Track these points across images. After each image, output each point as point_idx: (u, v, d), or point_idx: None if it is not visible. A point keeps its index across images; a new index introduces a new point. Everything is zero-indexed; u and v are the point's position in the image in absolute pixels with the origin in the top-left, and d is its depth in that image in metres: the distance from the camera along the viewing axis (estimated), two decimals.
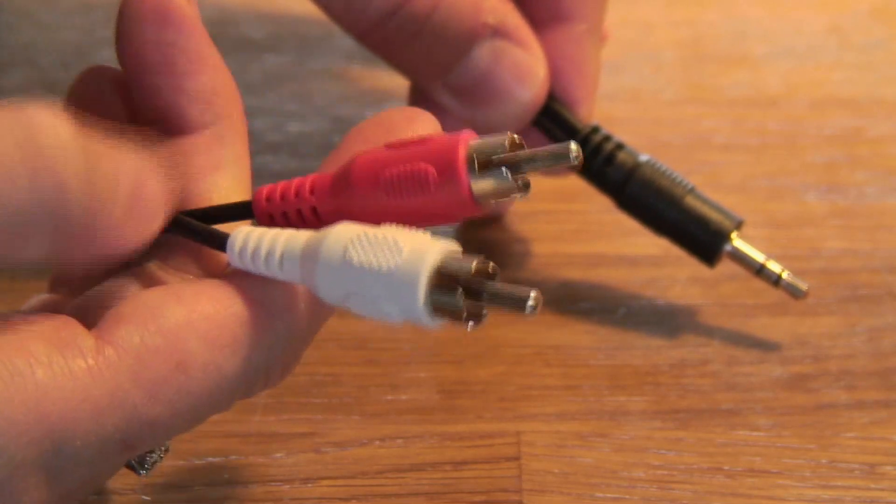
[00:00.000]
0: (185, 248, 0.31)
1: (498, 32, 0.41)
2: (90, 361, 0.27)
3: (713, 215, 0.42)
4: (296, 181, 0.30)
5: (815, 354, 0.42)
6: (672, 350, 0.42)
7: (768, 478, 0.38)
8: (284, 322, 0.29)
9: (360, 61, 0.55)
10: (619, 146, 0.43)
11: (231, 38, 0.56)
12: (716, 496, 0.37)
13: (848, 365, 0.41)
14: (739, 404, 0.40)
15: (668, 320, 0.43)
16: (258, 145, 0.48)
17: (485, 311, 0.27)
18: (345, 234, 0.27)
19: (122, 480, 0.37)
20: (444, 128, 0.31)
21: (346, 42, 0.55)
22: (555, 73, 0.43)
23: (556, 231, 0.47)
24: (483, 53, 0.41)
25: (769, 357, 0.42)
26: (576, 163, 0.28)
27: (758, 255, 0.42)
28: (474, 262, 0.26)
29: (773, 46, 0.57)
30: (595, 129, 0.43)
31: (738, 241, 0.42)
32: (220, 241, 0.30)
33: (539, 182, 0.48)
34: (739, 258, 0.42)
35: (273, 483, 0.37)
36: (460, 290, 0.26)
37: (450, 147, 0.28)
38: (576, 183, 0.44)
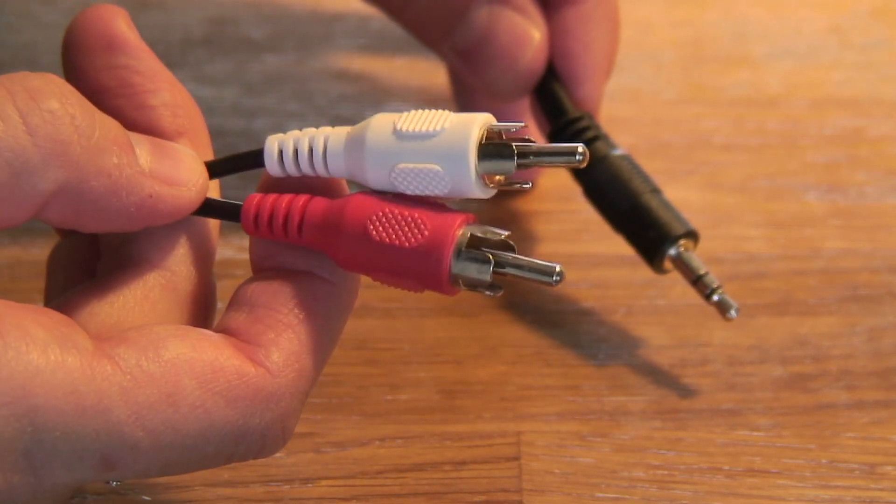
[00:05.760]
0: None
1: None
2: (85, 362, 0.27)
3: (665, 217, 0.41)
4: (288, 197, 0.31)
5: (815, 354, 0.42)
6: (672, 350, 0.42)
7: (768, 478, 0.38)
8: (281, 382, 0.29)
9: (360, 61, 0.55)
10: (600, 136, 0.42)
11: (231, 38, 0.56)
12: (716, 496, 0.37)
13: (848, 365, 0.41)
14: (739, 404, 0.40)
15: (668, 320, 0.43)
16: (258, 145, 0.48)
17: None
18: (387, 116, 0.29)
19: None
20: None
21: (346, 42, 0.55)
22: (560, 52, 0.43)
23: (556, 231, 0.47)
24: (480, 15, 0.42)
25: (769, 357, 0.42)
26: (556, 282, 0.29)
27: (699, 266, 0.40)
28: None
29: (773, 46, 0.57)
30: (584, 117, 0.43)
31: (683, 248, 0.41)
32: (233, 210, 0.31)
33: (539, 182, 0.48)
34: (682, 265, 0.40)
35: (273, 483, 0.37)
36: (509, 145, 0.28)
37: (442, 236, 0.29)
38: (576, 184, 0.44)
